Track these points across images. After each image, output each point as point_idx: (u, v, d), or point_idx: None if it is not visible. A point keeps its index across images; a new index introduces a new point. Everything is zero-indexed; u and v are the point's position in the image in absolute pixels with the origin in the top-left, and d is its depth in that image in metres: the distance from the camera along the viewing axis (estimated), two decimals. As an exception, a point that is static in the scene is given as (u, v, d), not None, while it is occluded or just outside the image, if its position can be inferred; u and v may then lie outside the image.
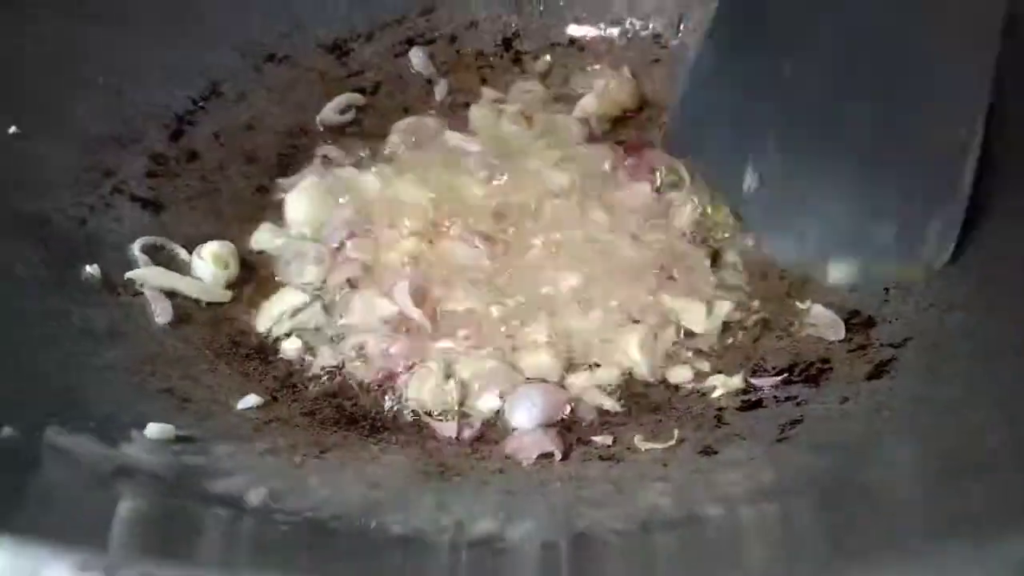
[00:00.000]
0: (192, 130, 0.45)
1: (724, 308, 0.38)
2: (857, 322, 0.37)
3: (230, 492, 0.27)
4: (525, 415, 0.34)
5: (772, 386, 0.35)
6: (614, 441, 0.34)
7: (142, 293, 0.37)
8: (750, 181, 0.41)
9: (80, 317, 0.34)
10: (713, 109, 0.44)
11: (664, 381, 0.36)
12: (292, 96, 0.49)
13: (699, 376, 0.36)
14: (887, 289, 0.38)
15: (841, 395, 0.34)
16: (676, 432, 0.33)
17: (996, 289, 0.35)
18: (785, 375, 0.36)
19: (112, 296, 0.36)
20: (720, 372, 0.36)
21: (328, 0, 0.50)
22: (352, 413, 0.35)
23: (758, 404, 0.35)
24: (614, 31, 0.51)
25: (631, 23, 0.51)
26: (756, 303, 0.39)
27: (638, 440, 0.33)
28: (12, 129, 0.38)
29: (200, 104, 0.46)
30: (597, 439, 0.34)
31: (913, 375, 0.33)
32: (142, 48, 0.45)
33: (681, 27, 0.51)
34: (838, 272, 0.39)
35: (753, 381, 0.35)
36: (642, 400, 0.36)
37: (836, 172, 0.39)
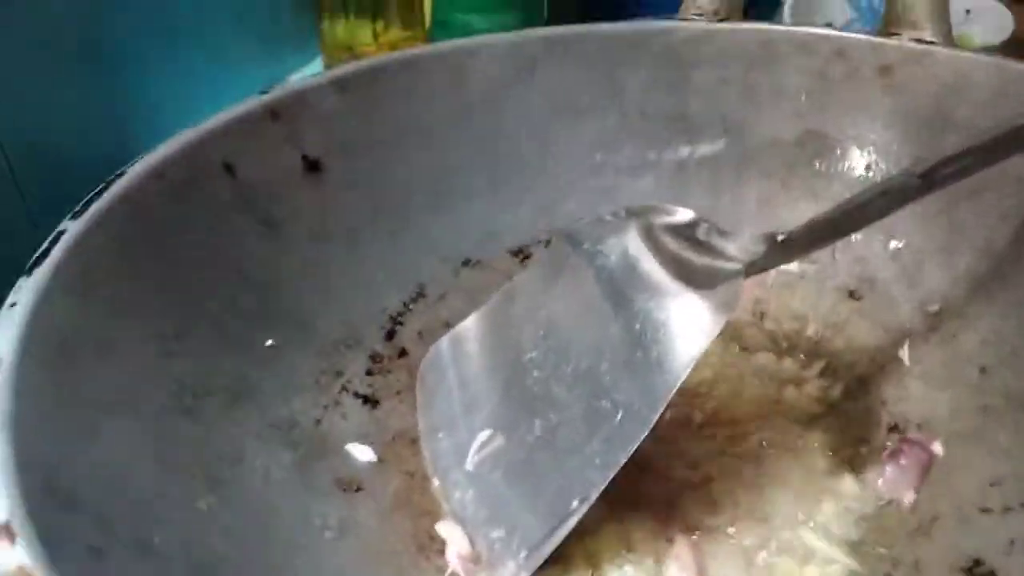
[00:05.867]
0: (402, 329, 0.54)
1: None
2: (980, 573, 0.41)
3: None
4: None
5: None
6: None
7: (362, 489, 0.45)
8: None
9: (319, 515, 0.42)
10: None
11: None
12: (482, 296, 0.57)
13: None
14: (1012, 541, 0.42)
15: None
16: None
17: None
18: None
19: (340, 493, 0.44)
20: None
21: (517, 213, 0.59)
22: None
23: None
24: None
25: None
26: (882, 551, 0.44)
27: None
28: (269, 342, 0.48)
29: (408, 306, 0.55)
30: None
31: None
32: (368, 261, 0.54)
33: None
34: None
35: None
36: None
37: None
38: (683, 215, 0.48)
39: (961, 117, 0.54)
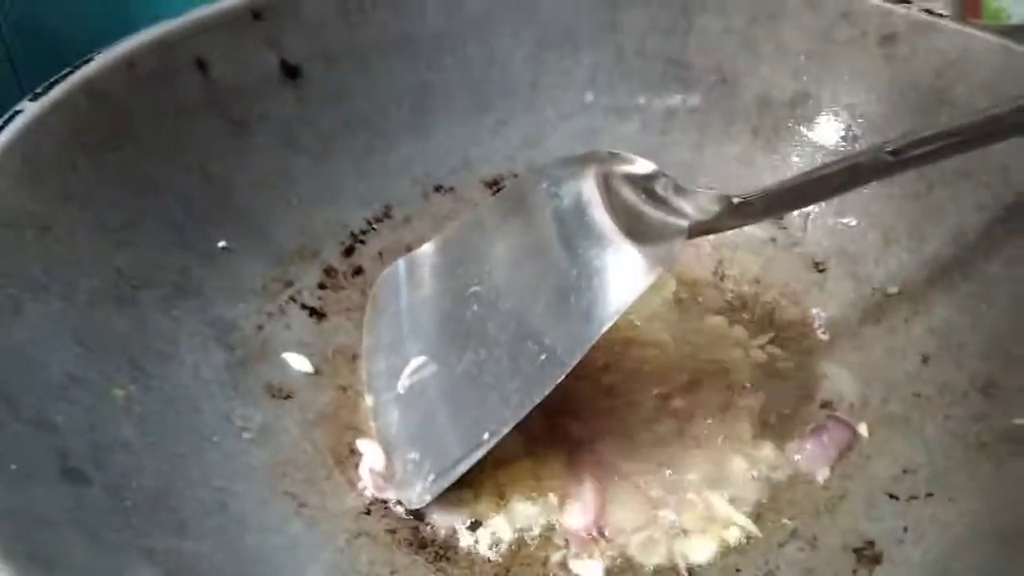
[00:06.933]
0: (362, 248, 0.55)
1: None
2: (869, 555, 0.42)
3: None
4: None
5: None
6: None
7: (292, 397, 0.47)
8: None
9: (241, 418, 0.44)
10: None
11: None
12: (448, 224, 0.57)
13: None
14: (906, 529, 0.42)
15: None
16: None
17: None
18: (788, 591, 0.41)
19: (268, 399, 0.46)
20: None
21: (496, 143, 0.59)
22: (423, 537, 0.43)
23: (754, 613, 0.41)
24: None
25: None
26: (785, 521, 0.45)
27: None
28: (222, 243, 0.49)
29: (372, 225, 0.56)
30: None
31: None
32: (337, 175, 0.54)
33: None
34: None
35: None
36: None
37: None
38: (644, 166, 0.48)
39: (958, 96, 0.53)
